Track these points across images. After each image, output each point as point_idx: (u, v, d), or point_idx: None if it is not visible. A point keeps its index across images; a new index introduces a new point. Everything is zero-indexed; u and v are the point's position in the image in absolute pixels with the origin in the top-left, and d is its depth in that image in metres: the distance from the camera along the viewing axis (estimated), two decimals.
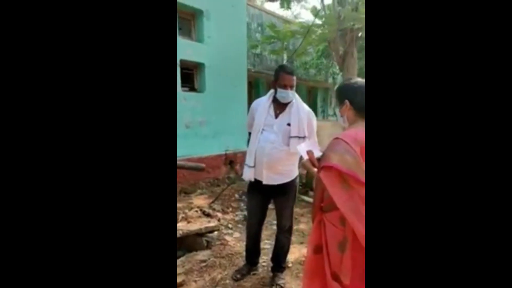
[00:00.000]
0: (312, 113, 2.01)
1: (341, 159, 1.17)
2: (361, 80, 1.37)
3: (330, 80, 9.47)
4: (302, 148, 1.55)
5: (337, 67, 8.66)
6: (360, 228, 1.17)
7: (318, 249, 1.46)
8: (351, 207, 1.17)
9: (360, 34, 5.08)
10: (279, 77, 1.89)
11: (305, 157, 1.50)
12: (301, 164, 1.51)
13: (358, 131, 1.25)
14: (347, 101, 1.31)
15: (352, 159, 1.17)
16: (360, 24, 4.62)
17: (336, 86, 1.47)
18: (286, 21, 6.75)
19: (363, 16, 4.48)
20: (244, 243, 2.36)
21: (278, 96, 1.90)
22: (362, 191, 1.18)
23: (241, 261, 2.39)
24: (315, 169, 1.40)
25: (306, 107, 1.98)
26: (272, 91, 1.99)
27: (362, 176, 1.17)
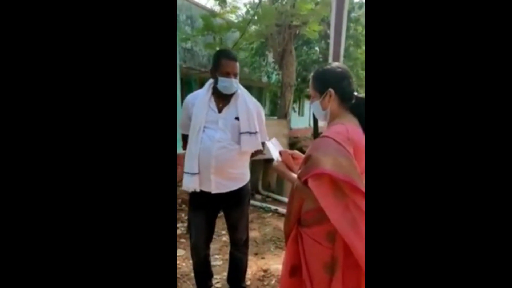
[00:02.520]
0: (260, 105, 1.73)
1: (334, 163, 0.92)
2: (341, 64, 1.15)
3: (265, 79, 9.48)
4: (272, 147, 1.27)
5: (272, 66, 8.71)
6: (358, 245, 0.95)
7: (295, 271, 1.20)
8: (348, 220, 0.93)
9: (298, 31, 5.08)
10: (220, 64, 1.55)
11: (276, 157, 1.23)
12: (273, 167, 1.24)
13: (349, 127, 1.01)
14: (331, 90, 1.06)
15: (347, 162, 0.93)
16: (298, 21, 4.60)
17: (313, 73, 1.21)
18: (219, 15, 6.39)
19: (302, 13, 4.45)
20: (191, 261, 2.00)
21: (220, 86, 1.56)
22: (358, 199, 0.96)
23: (190, 285, 2.02)
24: (293, 174, 1.15)
25: (253, 98, 1.70)
26: (210, 81, 1.63)
27: (358, 182, 0.96)
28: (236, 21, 5.80)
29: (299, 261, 1.17)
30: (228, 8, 5.80)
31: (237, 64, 1.59)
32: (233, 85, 1.56)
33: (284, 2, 4.79)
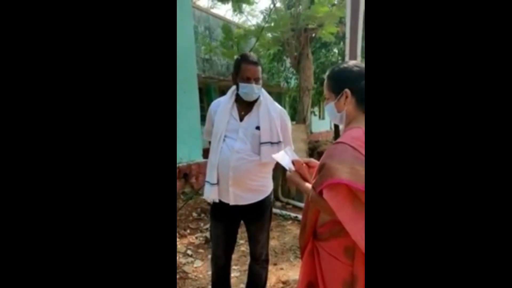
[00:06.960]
0: (286, 113, 1.63)
1: (351, 171, 0.84)
2: (359, 63, 1.06)
3: (283, 84, 9.42)
4: (282, 156, 1.20)
5: (290, 71, 8.64)
6: None
7: (311, 287, 1.13)
8: None
9: (314, 34, 4.99)
10: (240, 69, 1.48)
11: (288, 167, 1.16)
12: (287, 178, 1.16)
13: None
14: (347, 90, 0.98)
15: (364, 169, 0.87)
16: (314, 24, 4.51)
17: (328, 72, 1.07)
18: (237, 25, 6.45)
19: (318, 15, 4.36)
20: (209, 272, 1.95)
21: (241, 92, 1.49)
22: None
23: None
24: (308, 185, 1.07)
25: (277, 105, 1.60)
26: (233, 88, 1.57)
27: None
28: (253, 28, 5.81)
29: (315, 277, 1.08)
30: (245, 17, 5.85)
31: (259, 69, 1.51)
32: (254, 90, 1.48)
33: (299, 7, 4.73)
